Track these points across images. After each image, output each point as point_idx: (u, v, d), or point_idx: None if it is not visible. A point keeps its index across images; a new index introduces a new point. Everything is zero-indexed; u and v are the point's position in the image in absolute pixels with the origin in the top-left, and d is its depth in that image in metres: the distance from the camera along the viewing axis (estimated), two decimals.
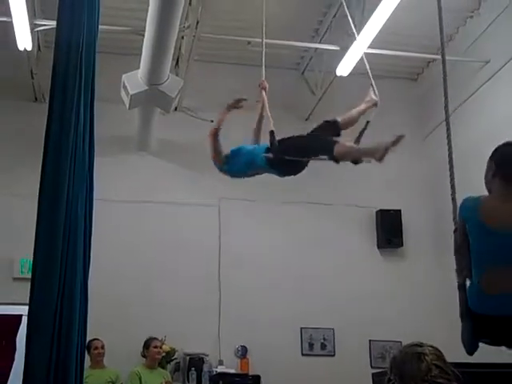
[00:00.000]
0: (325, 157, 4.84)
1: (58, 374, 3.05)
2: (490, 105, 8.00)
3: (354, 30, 6.65)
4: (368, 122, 5.32)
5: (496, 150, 3.24)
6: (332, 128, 5.17)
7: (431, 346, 2.36)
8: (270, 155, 4.90)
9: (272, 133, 5.04)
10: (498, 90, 7.91)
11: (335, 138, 4.88)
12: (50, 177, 3.37)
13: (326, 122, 5.23)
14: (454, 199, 3.34)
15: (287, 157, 4.85)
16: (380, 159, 4.80)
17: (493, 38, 7.99)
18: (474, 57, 8.24)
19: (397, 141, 4.95)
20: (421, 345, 2.35)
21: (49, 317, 3.08)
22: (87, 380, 6.38)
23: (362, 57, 6.19)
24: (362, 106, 5.53)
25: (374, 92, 5.58)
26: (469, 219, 3.05)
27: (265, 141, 5.25)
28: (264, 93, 5.51)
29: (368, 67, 5.95)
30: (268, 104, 5.69)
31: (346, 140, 4.93)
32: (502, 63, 7.78)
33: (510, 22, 7.69)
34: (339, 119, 5.26)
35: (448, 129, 3.60)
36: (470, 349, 3.09)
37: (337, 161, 4.75)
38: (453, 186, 3.42)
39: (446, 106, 3.57)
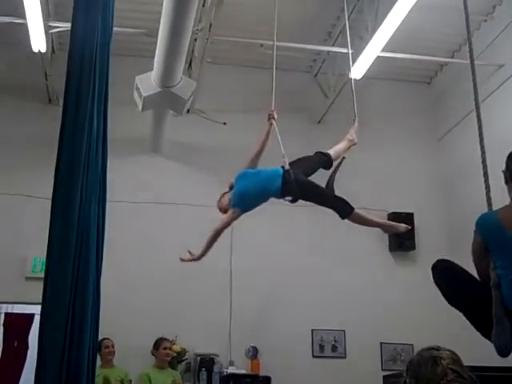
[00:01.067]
0: (336, 213, 5.02)
1: (70, 373, 3.07)
2: (503, 109, 7.97)
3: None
4: (343, 157, 5.39)
5: (508, 155, 3.21)
6: (326, 161, 5.31)
7: (448, 350, 2.35)
8: (290, 199, 5.04)
9: (288, 173, 5.00)
10: (511, 94, 7.88)
11: (352, 206, 4.99)
12: (63, 178, 3.39)
13: (321, 153, 5.35)
14: (488, 195, 3.28)
15: (303, 200, 5.04)
16: (386, 232, 5.40)
17: (507, 42, 7.96)
18: (488, 61, 8.20)
19: (404, 229, 5.21)
20: (438, 348, 2.35)
21: (61, 316, 3.11)
22: (97, 379, 6.41)
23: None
24: (344, 144, 5.56)
25: (355, 131, 5.64)
26: (491, 238, 3.01)
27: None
28: (274, 123, 5.48)
29: (354, 99, 5.95)
30: (280, 106, 5.73)
31: (362, 211, 5.10)
32: None
33: None
34: (331, 153, 5.37)
35: (479, 120, 3.55)
36: (506, 350, 3.02)
37: (343, 219, 5.00)
38: (485, 175, 3.34)
39: (476, 98, 3.52)
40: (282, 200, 5.58)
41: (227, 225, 5.37)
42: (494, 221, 3.03)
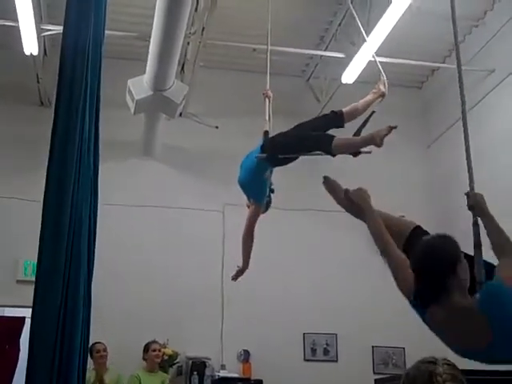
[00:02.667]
0: (320, 152, 4.66)
1: (61, 377, 3.07)
2: (494, 114, 8.01)
3: (365, 35, 6.61)
4: (373, 112, 5.15)
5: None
6: (336, 119, 4.98)
7: (447, 364, 2.19)
8: (263, 155, 4.73)
9: (266, 133, 5.03)
10: (502, 100, 7.92)
11: (329, 132, 4.71)
12: (55, 181, 3.39)
13: (333, 112, 5.03)
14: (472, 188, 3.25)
15: (280, 155, 4.73)
16: (380, 143, 4.76)
17: (498, 48, 8.01)
18: (479, 66, 8.25)
19: (390, 129, 4.90)
20: (435, 362, 2.18)
21: (52, 319, 3.10)
22: (90, 382, 6.42)
23: (373, 57, 6.11)
24: (369, 97, 5.32)
25: (384, 83, 5.39)
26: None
27: None
28: (268, 101, 5.54)
29: (378, 61, 5.87)
30: (272, 111, 5.75)
31: (343, 137, 4.70)
32: (507, 73, 7.80)
33: None
34: (344, 110, 5.06)
35: (465, 125, 3.55)
36: None
37: (333, 155, 4.60)
38: (471, 183, 3.33)
39: (463, 104, 3.52)
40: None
41: (251, 221, 5.29)
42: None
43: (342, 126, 4.99)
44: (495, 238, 3.01)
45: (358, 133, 4.85)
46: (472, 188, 3.29)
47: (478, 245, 3.00)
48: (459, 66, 3.49)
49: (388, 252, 3.06)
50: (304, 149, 4.72)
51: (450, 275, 2.78)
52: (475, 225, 3.12)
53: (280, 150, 4.71)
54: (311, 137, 4.67)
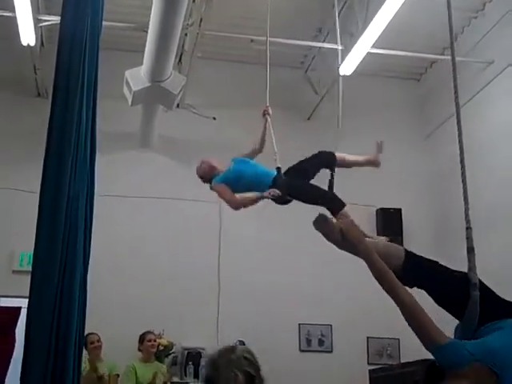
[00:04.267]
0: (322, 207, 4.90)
1: (57, 367, 3.08)
2: (493, 104, 8.01)
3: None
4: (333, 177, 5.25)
5: None
6: (331, 161, 5.17)
7: (246, 349, 2.58)
8: (276, 194, 4.87)
9: (279, 170, 5.05)
10: (501, 91, 7.93)
11: (340, 203, 4.96)
12: (51, 172, 3.38)
13: (324, 153, 5.22)
14: (465, 197, 3.25)
15: (290, 197, 4.98)
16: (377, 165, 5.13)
17: (497, 39, 8.01)
18: (478, 57, 8.25)
19: (380, 147, 5.03)
20: (233, 350, 2.51)
21: (48, 309, 3.11)
22: (85, 373, 6.42)
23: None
24: (361, 159, 5.51)
25: (379, 151, 5.51)
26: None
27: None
28: (268, 119, 5.49)
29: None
30: (270, 102, 5.74)
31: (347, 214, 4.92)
32: (506, 64, 7.81)
33: None
34: (336, 154, 5.26)
35: (458, 122, 3.55)
36: None
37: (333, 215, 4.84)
38: (464, 181, 3.35)
39: (457, 98, 3.51)
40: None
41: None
42: None
43: (333, 170, 5.18)
44: None
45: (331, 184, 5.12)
46: (465, 183, 3.29)
47: (470, 249, 3.05)
48: (453, 59, 3.49)
49: (396, 294, 2.97)
50: (314, 202, 4.94)
51: None
52: (468, 228, 3.14)
53: (292, 194, 4.97)
54: (325, 196, 4.96)
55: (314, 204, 4.97)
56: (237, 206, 5.19)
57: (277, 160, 5.10)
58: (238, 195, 5.17)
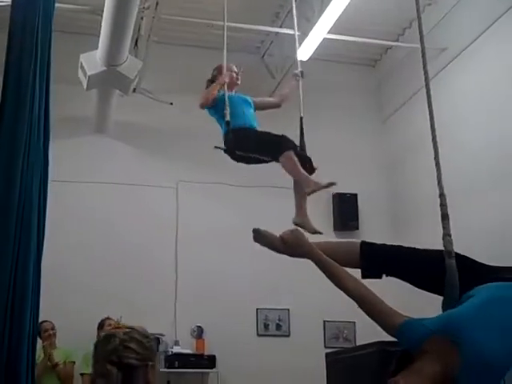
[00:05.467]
0: (269, 157, 5.19)
1: (11, 356, 3.04)
2: (446, 92, 8.15)
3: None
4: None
5: None
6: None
7: (129, 327, 2.34)
8: (223, 147, 5.18)
9: (228, 123, 5.22)
10: (454, 78, 8.06)
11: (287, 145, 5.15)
12: (3, 158, 3.32)
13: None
14: (437, 163, 3.23)
15: (238, 151, 5.18)
16: (309, 193, 5.16)
17: (450, 26, 8.13)
18: (431, 44, 8.33)
19: (328, 186, 5.19)
20: (109, 339, 2.31)
21: (1, 297, 3.07)
22: (39, 361, 6.36)
23: None
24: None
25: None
26: None
27: None
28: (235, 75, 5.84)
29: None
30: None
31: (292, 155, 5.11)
32: (459, 51, 7.94)
33: (467, 10, 7.84)
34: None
35: (428, 93, 3.57)
36: None
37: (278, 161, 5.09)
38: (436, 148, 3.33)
39: (425, 71, 3.51)
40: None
41: None
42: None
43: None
44: None
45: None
46: (437, 157, 3.26)
47: (445, 216, 3.01)
48: (422, 41, 3.51)
49: (344, 287, 2.97)
50: (260, 149, 5.21)
51: None
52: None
53: (239, 146, 5.19)
54: (270, 138, 5.22)
55: (259, 154, 5.21)
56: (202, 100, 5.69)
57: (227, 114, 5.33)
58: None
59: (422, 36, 3.59)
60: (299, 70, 6.08)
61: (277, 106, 6.19)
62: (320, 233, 5.13)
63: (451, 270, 2.87)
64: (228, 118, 5.26)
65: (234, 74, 5.86)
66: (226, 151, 5.22)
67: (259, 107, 5.94)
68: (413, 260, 3.21)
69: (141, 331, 2.31)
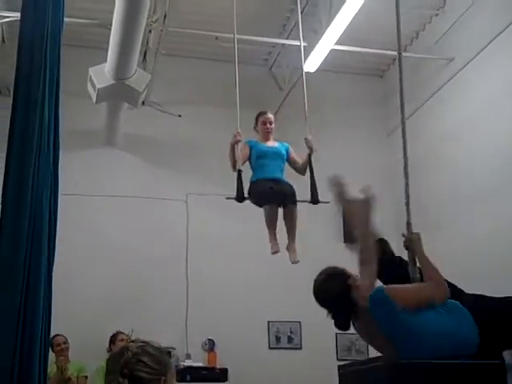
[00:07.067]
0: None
1: (22, 370, 3.02)
2: (454, 101, 8.12)
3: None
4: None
5: None
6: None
7: (141, 341, 2.34)
8: (233, 197, 6.01)
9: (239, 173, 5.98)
10: (461, 88, 8.03)
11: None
12: (14, 171, 3.33)
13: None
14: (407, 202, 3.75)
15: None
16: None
17: (457, 36, 8.11)
18: (439, 54, 8.36)
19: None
20: (132, 341, 2.40)
21: (12, 311, 3.05)
22: (52, 375, 6.34)
23: None
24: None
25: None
26: None
27: None
28: (237, 147, 6.04)
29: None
30: (235, 99, 5.76)
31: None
32: (466, 61, 7.91)
33: (474, 20, 7.82)
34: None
35: (404, 130, 3.75)
36: None
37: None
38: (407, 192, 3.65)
39: (402, 112, 3.70)
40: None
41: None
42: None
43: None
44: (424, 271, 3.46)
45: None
46: (407, 203, 3.67)
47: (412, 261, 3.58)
48: (401, 78, 3.65)
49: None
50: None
51: (347, 298, 3.40)
52: (412, 261, 3.63)
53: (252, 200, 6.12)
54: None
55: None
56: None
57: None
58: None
59: (401, 76, 3.76)
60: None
61: (299, 172, 6.46)
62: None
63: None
64: (239, 166, 5.99)
65: (238, 135, 6.09)
66: (236, 200, 6.00)
67: (290, 163, 6.38)
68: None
69: (155, 345, 2.31)
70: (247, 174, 6.22)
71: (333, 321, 3.50)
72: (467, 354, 3.24)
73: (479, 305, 3.37)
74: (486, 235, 7.06)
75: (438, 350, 3.20)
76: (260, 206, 6.10)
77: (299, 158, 6.36)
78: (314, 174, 6.19)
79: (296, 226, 6.25)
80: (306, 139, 6.27)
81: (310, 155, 6.23)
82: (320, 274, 3.50)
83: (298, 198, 6.16)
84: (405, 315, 3.20)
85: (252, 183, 6.11)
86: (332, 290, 3.47)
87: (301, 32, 6.69)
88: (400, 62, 3.82)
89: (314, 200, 6.13)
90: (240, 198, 5.97)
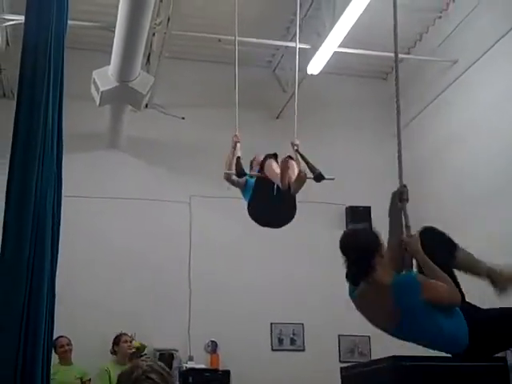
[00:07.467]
0: None
1: (25, 372, 3.03)
2: (457, 104, 8.12)
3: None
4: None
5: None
6: None
7: (152, 360, 2.51)
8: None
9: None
10: (465, 90, 8.03)
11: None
12: (17, 173, 3.34)
13: None
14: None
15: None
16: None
17: (461, 38, 8.12)
18: (443, 57, 8.36)
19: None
20: (132, 371, 2.40)
21: (16, 312, 3.07)
22: (55, 377, 6.34)
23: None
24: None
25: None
26: None
27: None
28: (237, 146, 5.85)
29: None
30: (239, 101, 5.77)
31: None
32: (470, 63, 7.91)
33: (478, 23, 7.82)
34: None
35: (399, 137, 3.79)
36: None
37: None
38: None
39: (398, 121, 3.75)
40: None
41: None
42: None
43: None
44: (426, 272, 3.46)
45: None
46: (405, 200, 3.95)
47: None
48: (397, 84, 3.69)
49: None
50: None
51: (373, 255, 3.39)
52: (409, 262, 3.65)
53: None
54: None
55: None
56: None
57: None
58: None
59: (397, 89, 3.76)
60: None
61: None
62: None
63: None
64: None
65: (235, 138, 5.92)
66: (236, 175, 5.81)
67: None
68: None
69: (161, 365, 2.48)
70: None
71: (345, 271, 3.59)
72: (453, 352, 3.31)
73: (473, 314, 3.42)
74: (491, 236, 7.05)
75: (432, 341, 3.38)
76: None
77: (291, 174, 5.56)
78: (307, 158, 5.64)
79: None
80: (292, 143, 5.81)
81: (301, 155, 5.75)
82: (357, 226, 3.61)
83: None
84: (427, 306, 3.28)
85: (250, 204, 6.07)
86: (365, 239, 3.55)
87: (298, 35, 6.69)
88: (396, 67, 3.79)
89: (317, 176, 5.43)
90: (240, 173, 5.73)
